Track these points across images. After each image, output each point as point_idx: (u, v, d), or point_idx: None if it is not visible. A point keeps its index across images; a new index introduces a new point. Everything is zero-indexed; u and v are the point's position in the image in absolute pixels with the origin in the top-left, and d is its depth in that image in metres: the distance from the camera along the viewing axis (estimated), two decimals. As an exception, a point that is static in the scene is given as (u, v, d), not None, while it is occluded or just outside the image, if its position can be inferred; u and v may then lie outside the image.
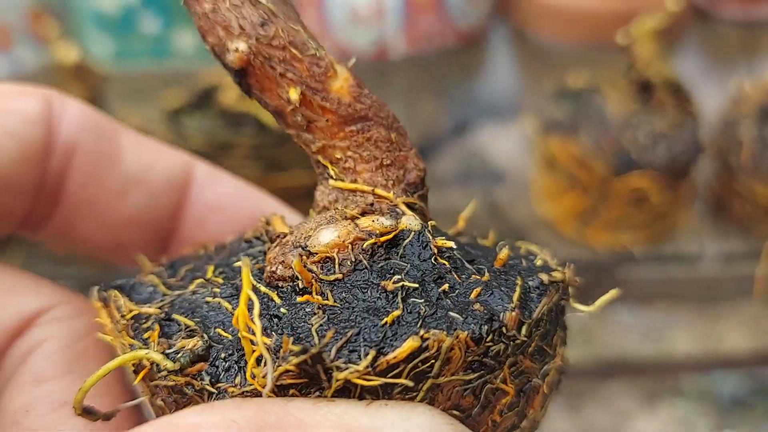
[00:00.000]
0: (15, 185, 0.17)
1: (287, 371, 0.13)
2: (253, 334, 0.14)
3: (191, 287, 0.17)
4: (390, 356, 0.13)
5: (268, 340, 0.14)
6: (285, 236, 0.16)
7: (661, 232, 0.51)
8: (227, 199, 0.20)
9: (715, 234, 0.52)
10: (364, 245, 0.16)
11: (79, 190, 0.18)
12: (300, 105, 0.16)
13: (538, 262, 0.17)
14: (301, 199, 0.25)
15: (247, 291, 0.14)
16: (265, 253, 0.17)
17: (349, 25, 0.74)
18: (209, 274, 0.17)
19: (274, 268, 0.16)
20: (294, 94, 0.16)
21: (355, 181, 0.16)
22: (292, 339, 0.14)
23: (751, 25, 0.78)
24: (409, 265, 0.16)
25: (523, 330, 0.15)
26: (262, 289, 0.16)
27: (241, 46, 0.16)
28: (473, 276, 0.16)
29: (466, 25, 0.77)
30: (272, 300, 0.15)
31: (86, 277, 0.53)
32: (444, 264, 0.16)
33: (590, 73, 0.51)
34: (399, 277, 0.15)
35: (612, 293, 0.19)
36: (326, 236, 0.16)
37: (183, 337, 0.15)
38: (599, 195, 0.48)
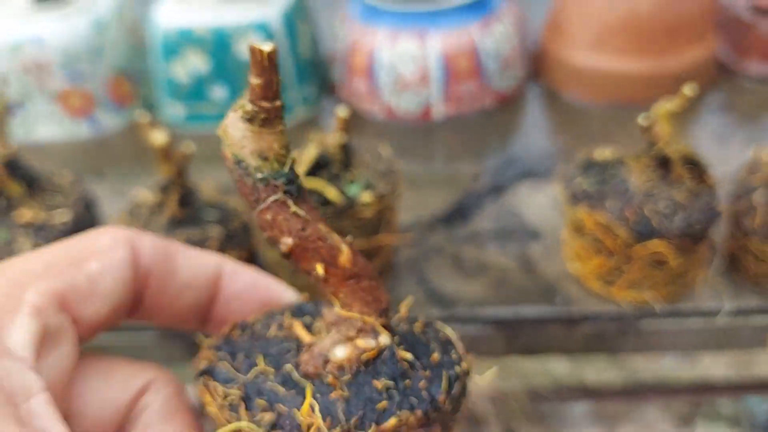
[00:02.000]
0: (117, 306, 0.25)
1: None
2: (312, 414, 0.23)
3: (252, 375, 0.25)
4: (382, 427, 0.23)
5: (320, 419, 0.23)
6: (311, 346, 0.26)
7: (680, 290, 0.55)
8: (247, 287, 0.27)
9: (731, 291, 0.55)
10: (362, 357, 0.24)
11: (151, 299, 0.26)
12: (330, 275, 0.25)
13: (453, 355, 0.26)
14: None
15: (309, 400, 0.23)
16: (289, 350, 0.26)
17: (396, 90, 0.79)
18: (261, 364, 0.25)
19: (308, 369, 0.25)
20: (320, 269, 0.24)
21: (350, 311, 0.25)
22: (329, 418, 0.23)
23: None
24: (386, 369, 0.25)
25: (448, 404, 0.24)
26: (303, 382, 0.24)
27: (288, 241, 0.24)
28: (420, 371, 0.25)
29: (503, 88, 0.82)
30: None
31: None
32: (405, 366, 0.25)
33: (615, 148, 0.55)
34: (383, 379, 0.24)
35: (492, 371, 0.28)
36: (340, 353, 0.25)
37: (261, 412, 0.23)
38: (623, 258, 0.52)
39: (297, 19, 0.81)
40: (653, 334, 0.55)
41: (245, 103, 0.23)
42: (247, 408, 0.24)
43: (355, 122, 0.82)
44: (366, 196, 0.50)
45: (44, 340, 0.22)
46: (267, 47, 0.21)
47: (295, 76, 0.80)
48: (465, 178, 0.71)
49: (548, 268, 0.58)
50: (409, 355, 0.25)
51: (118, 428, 0.24)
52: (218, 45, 0.77)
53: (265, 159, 0.23)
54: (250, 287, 0.28)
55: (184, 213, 0.55)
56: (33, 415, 0.20)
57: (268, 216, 0.24)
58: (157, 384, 0.25)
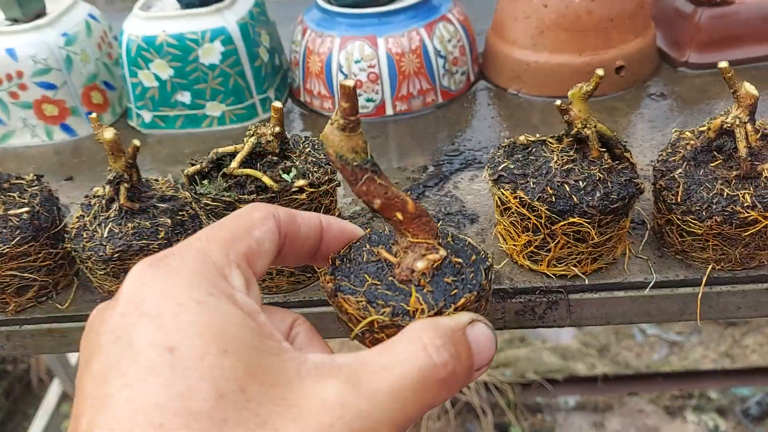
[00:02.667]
0: (270, 260, 0.35)
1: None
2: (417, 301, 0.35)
3: (365, 287, 0.37)
4: (459, 304, 0.35)
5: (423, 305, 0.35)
6: (399, 264, 0.37)
7: (607, 264, 0.55)
8: (338, 231, 0.38)
9: (658, 264, 0.55)
10: (434, 265, 0.36)
11: (285, 250, 0.36)
12: (404, 219, 0.37)
13: (482, 254, 0.39)
14: None
15: (415, 295, 0.35)
16: (383, 268, 0.38)
17: (349, 89, 0.80)
18: (369, 279, 0.37)
19: (402, 277, 0.36)
20: (399, 215, 0.36)
21: (418, 238, 0.37)
22: (425, 305, 0.35)
23: (713, 70, 0.82)
24: (449, 270, 0.37)
25: (487, 286, 0.38)
26: (402, 286, 0.36)
27: (378, 201, 0.35)
28: (467, 268, 0.37)
29: (451, 85, 0.83)
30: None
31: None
32: (458, 266, 0.37)
33: (539, 131, 0.56)
34: (449, 277, 0.37)
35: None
36: (420, 264, 0.37)
37: (382, 308, 0.35)
38: (547, 234, 0.52)
39: (255, 26, 0.82)
40: (582, 307, 0.55)
41: (338, 119, 0.33)
42: (373, 307, 0.35)
43: (314, 122, 0.83)
44: (299, 182, 0.50)
45: (246, 286, 0.31)
46: (350, 83, 0.33)
47: (254, 80, 0.81)
48: (415, 171, 0.71)
49: (485, 248, 0.59)
50: (459, 259, 0.38)
51: None
52: (181, 52, 0.78)
53: (356, 152, 0.34)
54: (340, 231, 0.39)
55: (135, 205, 0.56)
56: (264, 326, 0.30)
57: (364, 188, 0.35)
58: (299, 320, 0.36)
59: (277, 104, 0.51)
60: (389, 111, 0.81)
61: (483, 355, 0.33)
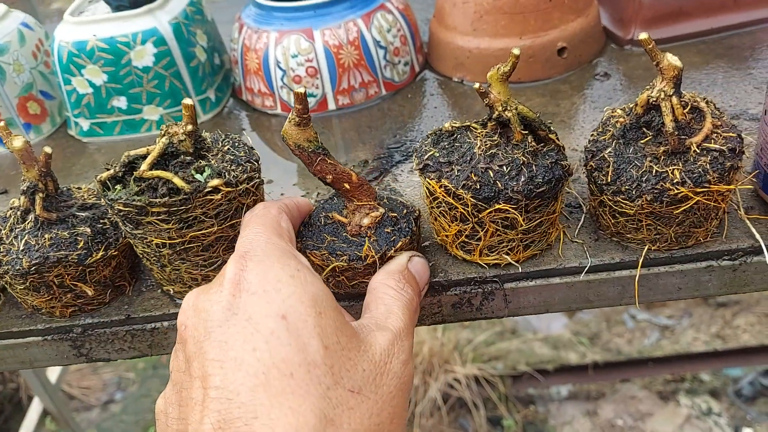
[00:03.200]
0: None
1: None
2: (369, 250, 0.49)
3: (326, 243, 0.50)
4: (397, 246, 0.50)
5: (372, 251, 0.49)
6: (349, 223, 0.50)
7: (541, 250, 0.53)
8: (308, 206, 0.52)
9: (594, 247, 0.54)
10: (376, 221, 0.50)
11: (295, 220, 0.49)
12: (350, 187, 0.49)
13: (410, 208, 0.53)
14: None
15: (367, 244, 0.49)
16: (337, 228, 0.51)
17: (289, 86, 0.78)
18: (328, 237, 0.51)
19: (353, 233, 0.50)
20: (347, 185, 0.49)
21: (362, 201, 0.50)
22: (373, 251, 0.49)
23: (659, 46, 0.80)
24: (388, 222, 0.50)
25: (417, 232, 0.54)
26: (354, 239, 0.50)
27: (330, 177, 0.49)
28: (402, 220, 0.51)
29: (395, 76, 0.81)
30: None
31: (54, 327, 0.57)
32: (395, 219, 0.51)
33: (463, 117, 0.54)
34: (388, 227, 0.50)
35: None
36: (366, 221, 0.50)
37: (340, 256, 0.49)
38: (475, 222, 0.50)
39: (190, 25, 0.80)
40: (519, 296, 0.53)
41: (294, 117, 0.46)
42: (333, 256, 0.49)
43: (257, 120, 0.81)
44: (213, 182, 0.48)
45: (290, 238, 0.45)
46: (301, 90, 0.45)
47: (191, 80, 0.79)
48: (357, 165, 0.70)
49: (422, 239, 0.57)
50: (394, 214, 0.51)
51: None
52: (113, 57, 0.76)
53: (310, 141, 0.47)
54: (309, 206, 0.53)
55: (52, 215, 0.54)
56: (305, 264, 0.41)
57: (318, 167, 0.48)
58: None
59: (188, 101, 0.49)
60: (331, 105, 0.79)
61: (423, 279, 0.49)
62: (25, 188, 0.54)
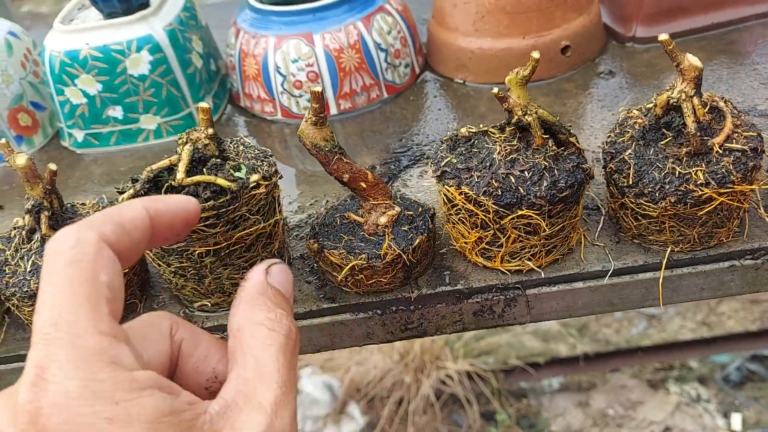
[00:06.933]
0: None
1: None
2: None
3: (343, 242, 0.51)
4: (415, 244, 0.50)
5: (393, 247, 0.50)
6: (365, 222, 0.51)
7: (563, 255, 0.52)
8: (167, 215, 0.34)
9: (616, 250, 0.53)
10: (393, 219, 0.51)
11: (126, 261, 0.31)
12: (366, 186, 0.50)
13: (426, 206, 0.54)
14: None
15: (387, 242, 0.50)
16: (353, 227, 0.52)
17: (289, 91, 0.76)
18: (345, 237, 0.52)
19: (369, 231, 0.51)
20: (363, 184, 0.50)
21: (378, 200, 0.51)
22: (392, 248, 0.50)
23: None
24: (404, 220, 0.51)
25: (434, 229, 0.54)
26: (372, 238, 0.51)
27: (347, 176, 0.49)
28: (417, 218, 0.52)
29: (396, 79, 0.79)
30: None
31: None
32: (411, 217, 0.52)
33: (487, 120, 0.53)
34: (405, 226, 0.51)
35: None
36: (383, 220, 0.51)
37: (359, 254, 0.50)
38: (496, 229, 0.49)
39: (185, 31, 0.78)
40: (542, 302, 0.52)
41: (310, 116, 0.46)
42: (352, 255, 0.50)
43: (257, 126, 0.79)
44: (254, 177, 0.47)
45: (132, 351, 0.29)
46: (318, 88, 0.45)
47: (189, 88, 0.77)
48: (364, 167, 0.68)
49: (437, 244, 0.56)
50: (410, 212, 0.52)
51: (170, 363, 0.34)
52: (107, 65, 0.74)
53: (326, 141, 0.48)
54: (171, 214, 0.34)
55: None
56: (173, 393, 0.29)
57: (335, 167, 0.48)
58: (174, 324, 0.34)
59: (204, 105, 0.47)
60: (333, 110, 0.77)
61: (289, 289, 0.37)
62: (29, 207, 0.52)
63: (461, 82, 0.79)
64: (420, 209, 0.53)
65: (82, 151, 0.80)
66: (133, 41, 0.73)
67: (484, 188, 0.48)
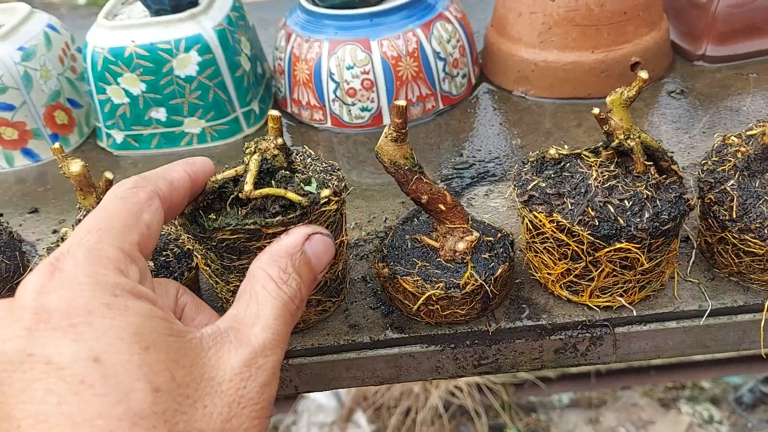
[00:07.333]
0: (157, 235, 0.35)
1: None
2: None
3: (417, 268, 0.47)
4: (497, 274, 0.46)
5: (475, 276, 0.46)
6: (442, 247, 0.48)
7: (656, 291, 0.48)
8: (202, 175, 0.41)
9: (712, 289, 0.49)
10: (472, 245, 0.47)
11: (167, 217, 0.37)
12: (445, 209, 0.46)
13: (504, 232, 0.50)
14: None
15: (469, 271, 0.46)
16: (426, 252, 0.49)
17: (342, 98, 0.72)
18: (419, 262, 0.48)
19: (446, 258, 0.47)
20: (442, 206, 0.46)
21: (455, 224, 0.47)
22: (473, 279, 0.46)
23: (732, 63, 0.75)
24: (483, 247, 0.47)
25: (513, 257, 0.49)
26: (449, 265, 0.47)
27: (425, 197, 0.45)
28: (497, 244, 0.48)
29: (453, 89, 0.75)
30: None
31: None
32: (490, 243, 0.48)
33: (553, 137, 0.49)
34: (486, 253, 0.47)
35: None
36: (461, 246, 0.47)
37: (437, 282, 0.46)
38: (589, 261, 0.45)
39: (235, 32, 0.74)
40: (630, 341, 0.48)
41: (391, 132, 0.43)
42: (428, 284, 0.46)
43: (304, 134, 0.75)
44: (325, 192, 0.43)
45: (141, 274, 0.32)
46: (402, 103, 0.41)
47: (236, 91, 0.73)
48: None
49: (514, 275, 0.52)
50: (489, 238, 0.48)
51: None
52: (153, 65, 0.70)
53: (406, 158, 0.44)
54: (204, 175, 0.41)
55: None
56: (166, 311, 0.32)
57: (414, 187, 0.45)
58: (180, 290, 0.41)
59: (275, 113, 0.43)
60: (386, 121, 0.73)
61: (322, 262, 0.38)
62: (81, 217, 0.48)
63: (522, 95, 0.75)
64: (498, 234, 0.49)
65: (120, 153, 0.76)
66: (181, 41, 0.69)
67: (579, 217, 0.44)
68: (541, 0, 0.70)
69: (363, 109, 0.72)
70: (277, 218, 0.42)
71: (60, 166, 0.47)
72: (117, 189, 0.34)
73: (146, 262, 0.33)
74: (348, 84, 0.71)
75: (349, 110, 0.73)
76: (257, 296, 0.34)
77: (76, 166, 0.46)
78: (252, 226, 0.41)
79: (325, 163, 0.47)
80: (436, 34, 0.72)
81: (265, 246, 0.41)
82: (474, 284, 0.46)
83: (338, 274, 0.49)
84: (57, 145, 0.47)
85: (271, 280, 0.35)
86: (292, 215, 0.42)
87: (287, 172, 0.44)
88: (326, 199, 0.43)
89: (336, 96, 0.72)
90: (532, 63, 0.73)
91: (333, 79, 0.72)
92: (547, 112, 0.72)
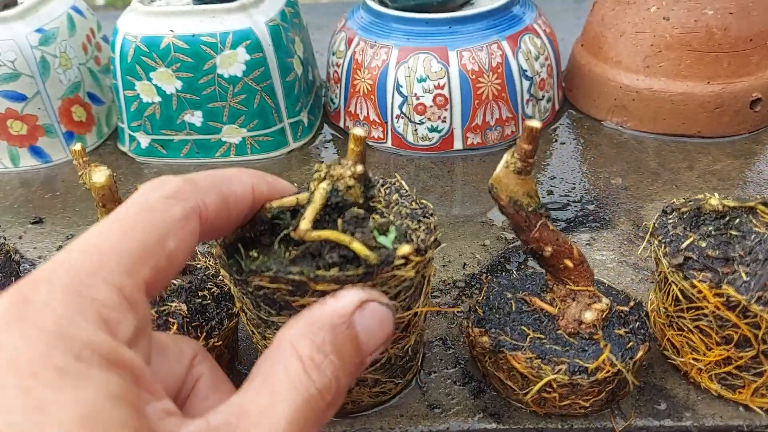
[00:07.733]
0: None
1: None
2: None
3: (528, 341, 0.37)
4: (636, 358, 0.36)
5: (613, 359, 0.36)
6: (564, 312, 0.37)
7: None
8: (268, 194, 0.31)
9: None
10: (602, 316, 0.37)
11: (206, 237, 0.28)
12: (572, 265, 0.36)
13: (633, 298, 0.40)
14: None
15: (606, 354, 0.35)
16: (540, 320, 0.38)
17: (408, 115, 0.62)
18: (530, 333, 0.37)
19: (568, 330, 0.37)
20: (568, 262, 0.36)
21: (579, 286, 0.37)
22: (608, 364, 0.35)
23: None
24: (616, 320, 0.38)
25: (652, 332, 0.39)
26: (571, 340, 0.37)
27: (550, 249, 0.35)
28: (630, 317, 0.38)
29: (535, 114, 0.65)
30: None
31: None
32: (624, 314, 0.38)
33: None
34: (621, 328, 0.37)
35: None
36: (588, 316, 0.37)
37: (556, 365, 0.36)
38: (762, 350, 0.34)
39: (290, 30, 0.64)
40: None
41: (515, 161, 0.33)
42: (547, 364, 0.35)
43: (359, 155, 0.65)
44: (403, 248, 0.31)
45: (136, 331, 0.22)
46: (536, 124, 0.32)
47: (285, 99, 0.63)
48: (490, 223, 0.54)
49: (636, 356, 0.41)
50: (624, 308, 0.38)
51: (177, 394, 0.27)
52: (193, 60, 0.59)
53: (530, 197, 0.34)
54: (270, 195, 0.31)
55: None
56: (146, 390, 0.22)
57: (537, 234, 0.35)
58: (200, 356, 0.28)
59: (359, 131, 0.32)
60: (458, 145, 0.63)
61: (374, 342, 0.27)
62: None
63: (616, 127, 0.65)
64: (630, 302, 0.39)
65: (144, 160, 0.65)
66: (228, 34, 0.59)
67: (759, 293, 0.33)
68: (651, 18, 0.60)
69: (432, 130, 0.62)
70: (332, 271, 0.29)
71: (80, 173, 0.36)
72: (149, 193, 0.24)
73: (149, 308, 0.25)
74: (417, 99, 0.61)
75: (416, 129, 0.62)
76: (274, 382, 0.24)
77: (101, 175, 0.36)
78: (297, 277, 0.29)
79: (417, 203, 0.35)
80: (524, 49, 0.62)
81: (310, 304, 0.29)
82: (611, 371, 0.35)
83: (407, 350, 0.38)
84: (78, 146, 0.36)
85: (299, 360, 0.24)
86: (352, 272, 0.30)
87: (362, 210, 0.32)
88: (403, 260, 0.31)
89: (401, 112, 0.62)
90: (633, 90, 0.62)
91: (400, 92, 0.61)
92: (650, 149, 0.61)
